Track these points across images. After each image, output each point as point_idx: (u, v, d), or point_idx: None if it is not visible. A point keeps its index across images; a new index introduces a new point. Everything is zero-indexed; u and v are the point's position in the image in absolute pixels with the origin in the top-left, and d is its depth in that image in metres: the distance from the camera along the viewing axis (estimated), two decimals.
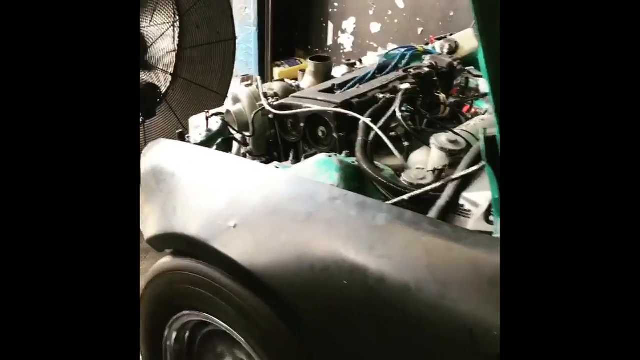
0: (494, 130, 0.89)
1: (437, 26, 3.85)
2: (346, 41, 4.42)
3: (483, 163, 1.01)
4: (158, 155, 1.39)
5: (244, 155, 1.73)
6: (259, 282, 1.08)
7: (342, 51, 4.43)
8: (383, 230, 1.00)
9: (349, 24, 4.35)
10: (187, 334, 1.35)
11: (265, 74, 4.42)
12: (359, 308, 0.99)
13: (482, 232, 0.97)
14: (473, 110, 1.92)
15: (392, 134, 1.50)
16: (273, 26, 4.33)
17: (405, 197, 1.12)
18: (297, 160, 1.62)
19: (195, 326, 1.34)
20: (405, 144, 1.46)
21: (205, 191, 1.23)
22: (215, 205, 1.18)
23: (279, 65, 4.39)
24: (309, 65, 1.87)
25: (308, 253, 1.04)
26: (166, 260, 1.28)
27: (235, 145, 1.79)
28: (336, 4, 4.39)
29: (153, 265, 1.31)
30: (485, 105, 1.97)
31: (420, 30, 3.96)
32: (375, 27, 4.20)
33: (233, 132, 1.73)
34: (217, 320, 1.21)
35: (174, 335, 1.33)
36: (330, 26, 4.47)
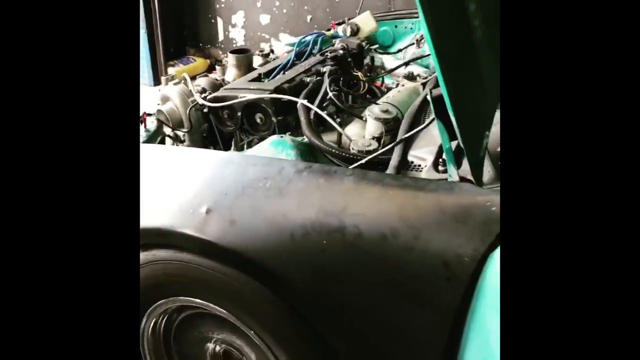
0: (439, 90, 1.04)
1: (325, 12, 4.02)
2: (237, 35, 4.46)
3: (427, 122, 1.17)
4: None
5: None
6: (241, 259, 1.16)
7: (234, 45, 4.48)
8: (352, 191, 1.12)
9: (238, 17, 4.40)
10: (164, 321, 1.38)
11: (159, 75, 4.35)
12: (342, 264, 1.10)
13: (439, 179, 1.12)
14: (384, 85, 2.10)
15: (324, 112, 1.63)
16: (162, 27, 4.27)
17: (363, 160, 1.25)
18: (237, 149, 1.69)
19: (173, 312, 1.38)
20: (338, 120, 1.60)
21: (169, 184, 1.28)
22: (184, 195, 1.24)
23: (172, 65, 4.35)
24: (231, 58, 1.94)
25: (286, 224, 1.13)
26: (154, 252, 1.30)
27: (168, 142, 1.82)
28: (223, 0, 4.42)
29: None
30: (392, 80, 2.17)
31: (309, 17, 4.11)
32: (265, 19, 4.29)
33: (167, 130, 1.76)
34: (201, 302, 1.27)
35: (152, 323, 1.36)
36: (220, 22, 4.49)
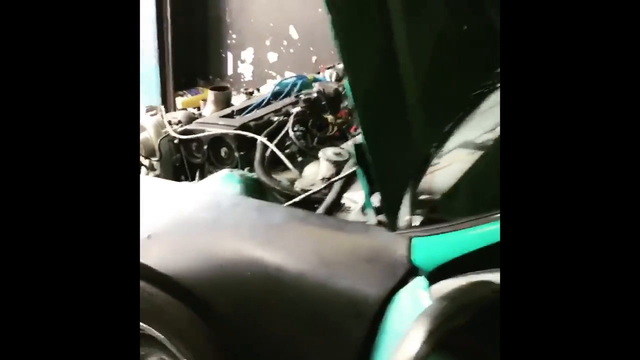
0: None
1: (329, 55, 4.16)
2: (246, 70, 4.62)
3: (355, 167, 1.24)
4: None
5: None
6: (175, 284, 1.23)
7: (242, 80, 4.63)
8: (279, 227, 1.19)
9: (247, 54, 4.57)
10: None
11: (168, 104, 4.51)
12: (262, 295, 1.16)
13: (358, 222, 1.19)
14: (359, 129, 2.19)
15: (287, 151, 1.72)
16: (173, 59, 4.45)
17: (297, 199, 1.32)
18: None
19: None
20: (299, 159, 1.68)
21: None
22: None
23: (181, 95, 4.50)
24: (209, 94, 2.05)
25: (217, 253, 1.21)
26: None
27: (143, 171, 1.92)
28: (234, 36, 4.60)
29: None
30: None
31: (314, 58, 4.26)
32: (272, 57, 4.45)
33: (141, 158, 1.86)
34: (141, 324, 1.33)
35: None
36: (230, 56, 4.66)
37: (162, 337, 1.31)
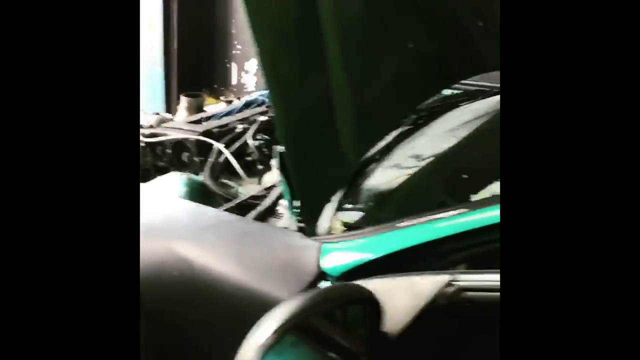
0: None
1: None
2: (249, 81, 4.71)
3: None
4: None
5: None
6: None
7: (245, 90, 4.71)
8: (208, 230, 1.23)
9: (251, 65, 4.65)
10: None
11: (172, 110, 4.61)
12: (187, 294, 1.20)
13: (279, 227, 1.23)
14: None
15: (249, 158, 1.77)
16: (179, 67, 4.56)
17: (231, 203, 1.36)
18: None
19: None
20: (260, 167, 1.73)
21: None
22: None
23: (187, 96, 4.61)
24: (182, 100, 2.11)
25: (147, 253, 1.25)
26: None
27: None
28: (239, 47, 4.69)
29: None
30: None
31: None
32: None
33: None
34: None
35: None
36: (234, 67, 4.75)
37: None
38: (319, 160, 1.19)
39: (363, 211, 1.26)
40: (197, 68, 4.83)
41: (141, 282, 1.27)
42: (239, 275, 1.15)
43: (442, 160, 1.48)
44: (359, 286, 0.85)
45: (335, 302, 0.83)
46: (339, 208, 1.23)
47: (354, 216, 1.27)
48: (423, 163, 1.40)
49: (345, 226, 1.20)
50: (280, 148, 1.16)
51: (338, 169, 1.23)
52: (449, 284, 0.83)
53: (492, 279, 0.81)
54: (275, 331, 0.75)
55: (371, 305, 0.83)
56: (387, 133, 1.35)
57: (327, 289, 0.86)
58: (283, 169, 1.15)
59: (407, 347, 0.88)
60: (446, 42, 1.51)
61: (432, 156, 1.42)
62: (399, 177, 1.34)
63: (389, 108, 1.35)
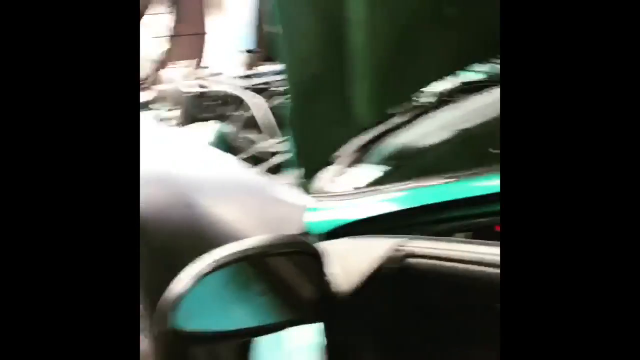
0: None
1: None
2: None
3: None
4: None
5: None
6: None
7: None
8: (218, 178, 1.28)
9: None
10: None
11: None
12: (187, 233, 1.25)
13: (279, 182, 1.25)
14: None
15: None
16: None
17: (246, 154, 1.41)
18: None
19: None
20: None
21: None
22: None
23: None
24: (242, 56, 2.17)
25: (161, 194, 1.32)
26: None
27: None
28: None
29: None
30: None
31: None
32: None
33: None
34: None
35: None
36: None
37: None
38: (325, 119, 1.18)
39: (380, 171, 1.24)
40: None
41: (150, 220, 1.35)
42: (232, 223, 1.19)
43: (472, 133, 1.42)
44: (303, 241, 0.86)
45: (275, 247, 0.84)
46: (349, 166, 1.23)
47: (366, 176, 1.26)
48: (450, 135, 1.35)
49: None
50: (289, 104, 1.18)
51: (344, 129, 1.22)
52: (397, 249, 0.81)
53: (449, 247, 0.78)
54: (214, 262, 0.78)
55: (315, 262, 0.83)
56: (403, 100, 1.31)
57: (270, 236, 0.87)
58: (291, 124, 1.16)
59: (354, 309, 0.87)
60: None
61: (461, 129, 1.37)
62: (424, 143, 1.30)
63: (409, 74, 1.31)
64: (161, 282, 1.30)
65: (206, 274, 0.79)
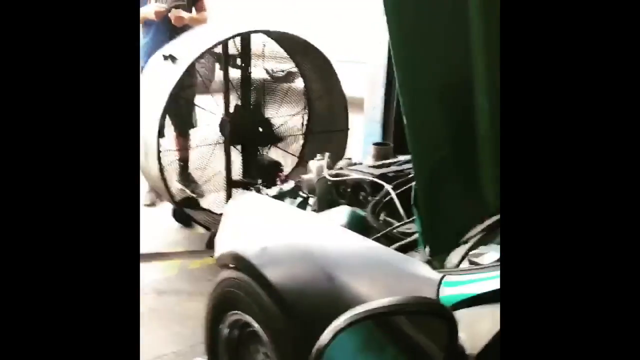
0: None
1: None
2: None
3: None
4: (234, 202, 1.96)
5: None
6: (276, 291, 1.51)
7: None
8: (354, 254, 1.41)
9: None
10: (237, 332, 1.80)
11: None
12: (326, 303, 1.37)
13: (411, 258, 1.33)
14: None
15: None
16: (395, 127, 4.89)
17: (379, 234, 1.52)
18: None
19: (242, 325, 1.78)
20: None
21: (254, 224, 1.75)
22: (256, 234, 1.69)
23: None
24: (372, 148, 2.35)
25: (305, 270, 1.47)
26: (227, 271, 1.78)
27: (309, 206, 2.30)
28: None
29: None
30: None
31: None
32: None
33: (303, 194, 2.25)
34: (249, 318, 1.66)
35: (227, 329, 1.79)
36: None
37: (261, 331, 1.60)
38: (453, 201, 1.27)
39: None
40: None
41: (297, 291, 1.49)
42: (367, 295, 1.29)
43: None
44: (437, 302, 0.94)
45: (410, 306, 0.93)
46: (474, 247, 1.29)
47: (492, 255, 1.31)
48: None
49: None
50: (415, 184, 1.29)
51: (472, 210, 1.30)
52: None
53: None
54: (348, 319, 0.89)
55: (447, 321, 0.91)
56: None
57: (406, 297, 0.96)
58: (416, 204, 1.27)
59: None
60: None
61: None
62: None
63: None
64: (305, 348, 1.41)
65: (342, 329, 0.91)
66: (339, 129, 3.78)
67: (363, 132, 4.35)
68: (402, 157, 2.30)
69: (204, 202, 3.62)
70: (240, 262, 1.68)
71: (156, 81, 3.06)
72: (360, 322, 0.90)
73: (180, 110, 3.50)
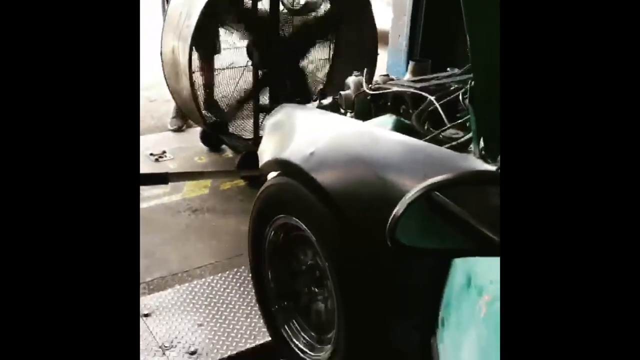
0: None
1: None
2: None
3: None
4: (279, 112, 1.99)
5: None
6: (326, 193, 1.54)
7: None
8: (404, 155, 1.45)
9: None
10: (282, 234, 1.87)
11: None
12: (377, 203, 1.41)
13: (464, 154, 1.37)
14: None
15: (458, 115, 1.92)
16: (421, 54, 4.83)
17: (428, 137, 1.56)
18: None
19: (289, 228, 1.84)
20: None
21: (299, 132, 1.78)
22: (303, 140, 1.72)
23: None
24: (410, 65, 2.35)
25: (358, 173, 1.50)
26: (274, 176, 1.82)
27: None
28: None
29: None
30: None
31: None
32: None
33: (342, 110, 2.27)
34: (298, 221, 1.71)
35: (273, 232, 1.86)
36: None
37: (310, 233, 1.65)
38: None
39: None
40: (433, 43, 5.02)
41: (347, 192, 1.54)
42: None
43: None
44: (496, 172, 0.99)
45: (473, 178, 0.98)
46: None
47: None
48: None
49: None
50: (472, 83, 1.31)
51: None
52: None
53: None
54: (418, 190, 0.95)
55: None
56: None
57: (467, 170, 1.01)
58: (472, 102, 1.29)
59: None
60: None
61: None
62: None
63: None
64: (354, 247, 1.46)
65: (414, 201, 0.97)
66: (367, 54, 3.76)
67: (387, 62, 4.33)
68: (442, 74, 2.30)
69: (232, 128, 3.66)
70: (288, 168, 1.72)
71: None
72: (432, 192, 0.96)
73: (207, 31, 3.46)
